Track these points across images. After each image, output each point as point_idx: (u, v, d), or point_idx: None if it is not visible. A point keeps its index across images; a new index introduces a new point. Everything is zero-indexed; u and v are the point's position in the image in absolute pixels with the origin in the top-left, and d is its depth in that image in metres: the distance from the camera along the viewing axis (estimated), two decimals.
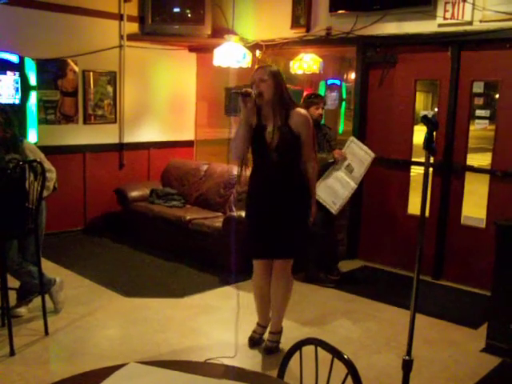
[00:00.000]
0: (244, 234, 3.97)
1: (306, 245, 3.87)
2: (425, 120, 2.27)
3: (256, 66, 3.51)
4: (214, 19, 6.64)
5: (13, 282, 3.97)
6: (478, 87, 5.06)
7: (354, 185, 5.02)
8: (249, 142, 3.51)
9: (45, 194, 3.85)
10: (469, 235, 5.19)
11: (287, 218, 3.55)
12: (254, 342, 3.81)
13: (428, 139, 2.27)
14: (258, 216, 3.63)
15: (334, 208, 4.94)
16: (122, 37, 6.56)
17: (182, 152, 7.33)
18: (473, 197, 5.47)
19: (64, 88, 6.17)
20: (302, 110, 3.58)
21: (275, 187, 3.51)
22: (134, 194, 6.42)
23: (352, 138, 5.19)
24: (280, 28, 6.15)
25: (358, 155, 5.07)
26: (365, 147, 5.12)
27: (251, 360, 3.63)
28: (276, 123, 3.44)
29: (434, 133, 2.28)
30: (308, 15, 5.96)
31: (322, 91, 6.56)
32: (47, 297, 4.07)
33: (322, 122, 5.18)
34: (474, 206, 5.42)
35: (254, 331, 3.86)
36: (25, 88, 5.45)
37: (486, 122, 5.07)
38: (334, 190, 4.95)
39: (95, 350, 3.70)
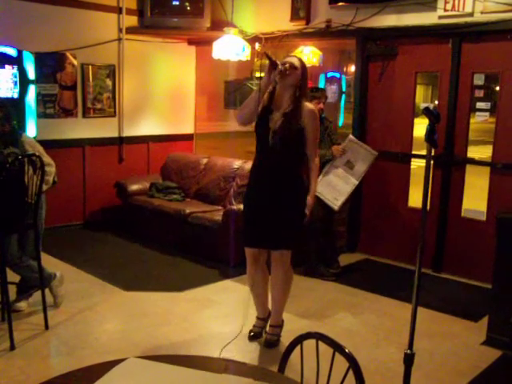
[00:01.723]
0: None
1: (304, 238, 3.85)
2: (426, 112, 2.25)
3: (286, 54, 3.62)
4: (213, 12, 6.61)
5: (13, 277, 3.96)
6: (479, 79, 5.04)
7: (355, 181, 5.01)
8: (256, 113, 3.52)
9: (44, 188, 3.84)
10: (469, 228, 5.18)
11: (282, 209, 3.53)
12: (254, 335, 3.81)
13: (430, 131, 2.24)
14: (252, 204, 3.65)
15: (336, 204, 4.93)
16: (120, 30, 6.53)
17: (181, 145, 7.31)
18: (473, 189, 5.45)
19: (63, 81, 6.15)
20: (311, 106, 3.61)
21: (272, 175, 3.51)
22: (134, 187, 6.41)
23: (350, 137, 5.16)
24: (279, 20, 6.11)
25: (359, 153, 5.04)
26: (365, 145, 5.11)
27: (251, 354, 3.62)
28: (284, 110, 3.47)
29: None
30: (308, 7, 5.93)
31: (321, 84, 6.54)
32: (47, 291, 4.06)
33: (323, 115, 5.16)
34: (475, 198, 5.41)
35: (254, 325, 3.86)
36: (23, 82, 5.42)
37: (487, 114, 5.05)
38: (336, 186, 4.94)
39: (95, 344, 3.70)
